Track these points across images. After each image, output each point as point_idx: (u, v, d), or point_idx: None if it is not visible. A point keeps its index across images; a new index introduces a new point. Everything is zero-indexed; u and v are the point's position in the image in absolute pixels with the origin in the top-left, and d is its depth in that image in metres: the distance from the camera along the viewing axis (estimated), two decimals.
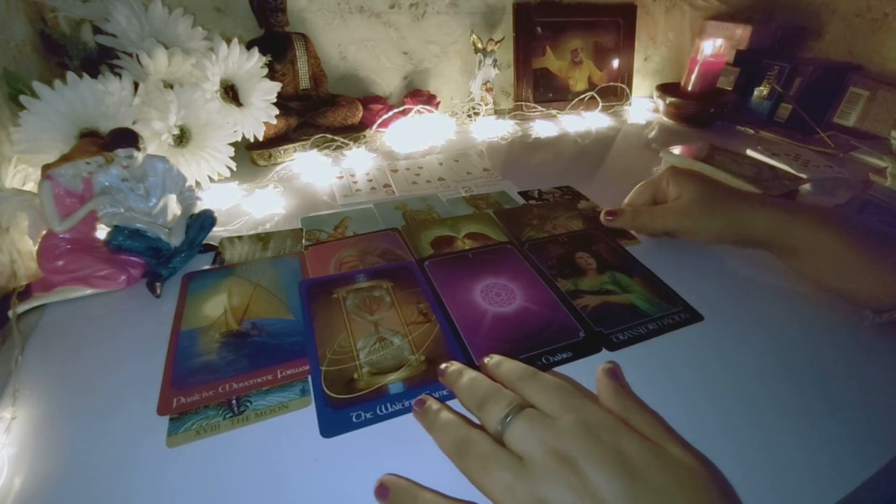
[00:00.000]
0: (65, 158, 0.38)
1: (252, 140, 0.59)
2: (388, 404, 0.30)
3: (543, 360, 0.33)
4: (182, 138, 0.51)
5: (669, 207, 0.42)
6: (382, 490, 0.24)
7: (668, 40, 0.98)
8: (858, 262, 0.35)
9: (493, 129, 0.78)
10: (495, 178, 0.62)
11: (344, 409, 0.29)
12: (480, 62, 0.78)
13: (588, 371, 0.33)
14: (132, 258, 0.40)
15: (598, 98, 0.86)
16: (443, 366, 0.30)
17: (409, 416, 0.29)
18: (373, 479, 0.26)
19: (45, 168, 0.37)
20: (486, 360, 0.29)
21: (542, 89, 0.85)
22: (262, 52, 0.56)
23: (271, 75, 0.60)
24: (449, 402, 0.28)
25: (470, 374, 0.27)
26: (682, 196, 0.42)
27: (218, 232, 0.47)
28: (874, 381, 0.33)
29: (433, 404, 0.27)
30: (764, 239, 0.39)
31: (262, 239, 0.47)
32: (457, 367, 0.29)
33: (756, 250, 0.40)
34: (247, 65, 0.55)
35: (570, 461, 0.20)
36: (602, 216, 0.46)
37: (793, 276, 0.42)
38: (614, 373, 0.27)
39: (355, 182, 0.60)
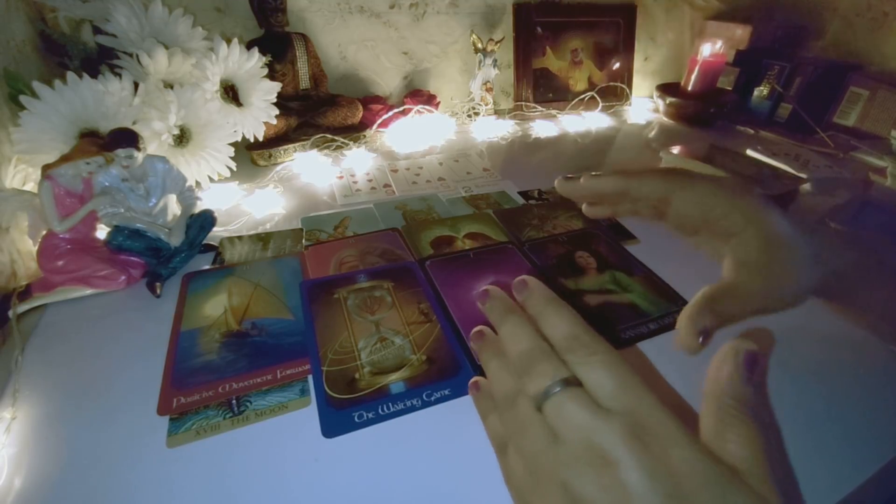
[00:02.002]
0: (65, 158, 0.37)
1: (252, 140, 0.59)
2: (390, 404, 0.30)
3: None
4: (182, 138, 0.51)
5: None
6: (475, 386, 0.25)
7: (668, 40, 0.98)
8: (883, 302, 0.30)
9: (493, 129, 0.78)
10: (495, 178, 0.62)
11: (346, 409, 0.29)
12: (480, 62, 0.78)
13: None
14: (132, 258, 0.40)
15: (598, 98, 0.86)
16: (489, 289, 0.24)
17: (411, 416, 0.29)
18: (374, 479, 0.26)
19: (45, 168, 0.37)
20: (520, 295, 0.24)
21: (542, 89, 0.85)
22: (262, 52, 0.56)
23: (271, 75, 0.60)
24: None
25: (516, 321, 0.23)
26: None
27: (218, 232, 0.47)
28: (874, 381, 0.33)
29: (494, 343, 0.24)
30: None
31: (262, 239, 0.47)
32: (502, 303, 0.24)
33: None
34: (247, 65, 0.55)
35: (606, 458, 0.18)
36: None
37: None
38: (752, 362, 0.20)
39: (355, 182, 0.60)
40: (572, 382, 0.20)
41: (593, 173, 0.31)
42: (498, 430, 0.23)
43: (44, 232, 0.38)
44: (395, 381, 0.31)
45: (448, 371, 0.32)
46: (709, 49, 0.79)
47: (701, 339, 0.27)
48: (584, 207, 0.33)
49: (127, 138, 0.38)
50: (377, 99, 0.77)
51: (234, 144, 0.55)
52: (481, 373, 0.32)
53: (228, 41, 0.53)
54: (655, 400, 0.19)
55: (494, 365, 0.23)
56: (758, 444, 0.18)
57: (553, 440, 0.19)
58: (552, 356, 0.21)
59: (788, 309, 0.29)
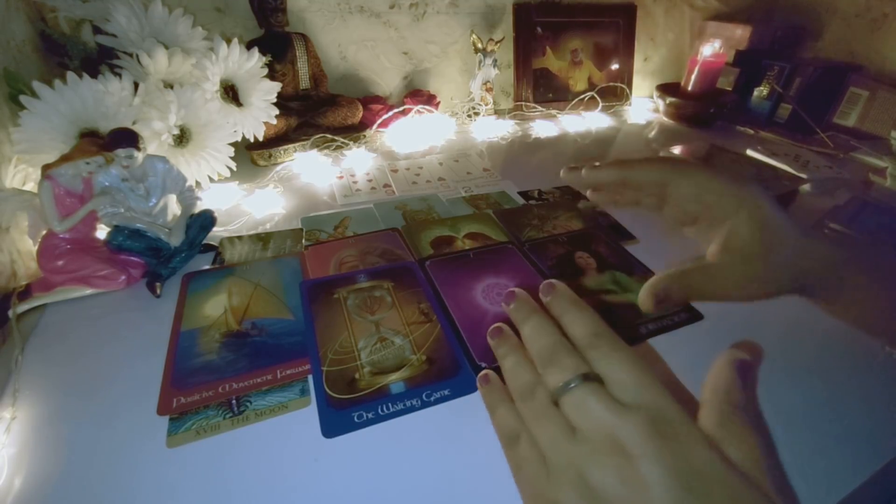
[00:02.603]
0: (65, 158, 0.37)
1: (252, 140, 0.59)
2: (390, 404, 0.30)
3: None
4: (182, 138, 0.51)
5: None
6: (485, 378, 0.25)
7: (667, 40, 0.98)
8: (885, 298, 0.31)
9: (493, 129, 0.78)
10: (495, 178, 0.62)
11: (346, 409, 0.29)
12: (480, 62, 0.78)
13: None
14: (132, 258, 0.40)
15: (598, 98, 0.87)
16: (514, 291, 0.25)
17: (411, 416, 0.29)
18: (374, 479, 0.26)
19: (45, 168, 0.37)
20: (546, 297, 0.24)
21: (542, 89, 0.85)
22: (262, 52, 0.56)
23: (271, 75, 0.60)
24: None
25: (539, 320, 0.23)
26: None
27: (218, 232, 0.47)
28: (874, 382, 0.33)
29: (511, 338, 0.25)
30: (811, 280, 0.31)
31: (262, 239, 0.47)
32: (527, 303, 0.24)
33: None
34: (247, 65, 0.55)
35: (627, 452, 0.18)
36: None
37: None
38: (745, 370, 0.21)
39: (355, 182, 0.60)
40: (592, 378, 0.20)
41: (595, 163, 0.33)
42: (508, 423, 0.23)
43: (44, 232, 0.38)
44: (395, 381, 0.31)
45: (448, 371, 0.32)
46: (709, 49, 0.79)
47: (656, 301, 0.29)
48: (588, 193, 0.35)
49: (127, 138, 0.38)
50: (377, 99, 0.77)
51: (234, 144, 0.55)
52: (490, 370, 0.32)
53: (228, 41, 0.53)
54: (673, 399, 0.20)
55: (512, 360, 0.24)
56: (756, 449, 0.19)
57: (571, 433, 0.20)
58: (573, 352, 0.22)
59: (765, 299, 0.30)
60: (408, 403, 0.30)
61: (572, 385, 0.20)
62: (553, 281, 0.24)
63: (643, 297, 0.30)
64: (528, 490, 0.21)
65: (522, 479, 0.22)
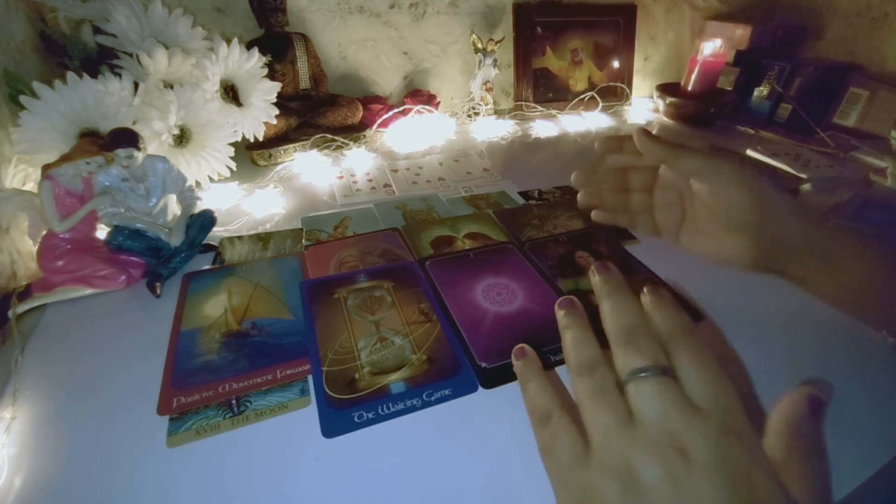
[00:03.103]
0: (65, 158, 0.37)
1: (252, 140, 0.59)
2: (390, 404, 0.30)
3: (546, 360, 0.33)
4: (182, 138, 0.51)
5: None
6: (521, 352, 0.25)
7: (668, 40, 0.98)
8: (885, 283, 0.31)
9: (493, 129, 0.78)
10: (495, 178, 0.62)
11: (346, 409, 0.29)
12: (480, 62, 0.78)
13: None
14: (132, 258, 0.40)
15: (598, 98, 0.86)
16: (608, 264, 0.24)
17: (412, 416, 0.29)
18: (374, 479, 0.26)
19: (45, 168, 0.37)
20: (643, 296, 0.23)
21: (542, 89, 0.85)
22: (262, 52, 0.56)
23: (271, 75, 0.60)
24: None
25: (627, 297, 0.23)
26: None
27: (218, 232, 0.47)
28: (875, 381, 0.33)
29: (582, 315, 0.23)
30: (797, 253, 0.32)
31: (262, 239, 0.47)
32: (618, 279, 0.23)
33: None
34: (247, 65, 0.55)
35: (685, 453, 0.18)
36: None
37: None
38: (817, 406, 0.21)
39: (355, 182, 0.60)
40: (669, 372, 0.20)
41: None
42: (542, 400, 0.22)
43: (44, 232, 0.38)
44: (395, 381, 0.31)
45: (448, 371, 0.32)
46: (709, 49, 0.79)
47: (644, 133, 0.32)
48: (579, 197, 0.37)
49: (127, 138, 0.38)
50: (377, 99, 0.77)
51: (234, 144, 0.55)
52: (482, 374, 0.32)
53: (228, 41, 0.53)
54: (746, 414, 0.19)
55: (577, 332, 0.23)
56: (815, 488, 0.19)
57: (628, 419, 0.19)
58: (655, 340, 0.21)
59: (743, 265, 0.33)
60: (408, 403, 0.30)
61: (646, 373, 0.19)
62: (657, 285, 0.24)
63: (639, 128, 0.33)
64: (558, 471, 0.20)
65: (553, 459, 0.21)
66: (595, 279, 0.24)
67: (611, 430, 0.19)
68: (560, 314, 0.24)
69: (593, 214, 0.38)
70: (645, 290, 0.23)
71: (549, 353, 0.34)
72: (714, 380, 0.19)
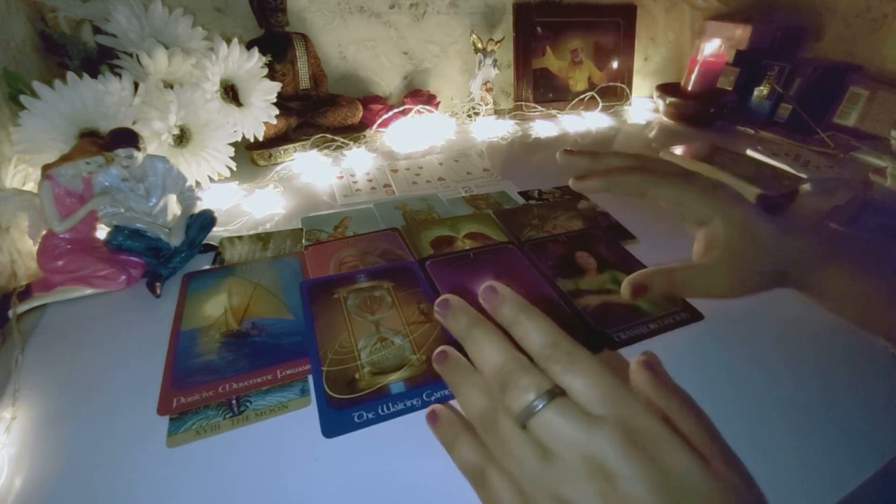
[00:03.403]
0: (65, 158, 0.37)
1: (252, 140, 0.59)
2: (390, 404, 0.30)
3: None
4: (182, 138, 0.51)
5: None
6: (433, 416, 0.23)
7: (668, 40, 0.98)
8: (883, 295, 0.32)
9: (493, 129, 0.78)
10: (495, 178, 0.62)
11: (346, 410, 0.29)
12: (480, 62, 0.78)
13: None
14: (132, 258, 0.40)
15: (598, 98, 0.86)
16: (448, 299, 0.23)
17: (412, 416, 0.29)
18: (374, 479, 0.26)
19: (45, 168, 0.37)
20: (489, 304, 0.22)
21: (542, 89, 0.85)
22: (262, 52, 0.56)
23: (271, 75, 0.60)
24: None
25: (485, 332, 0.21)
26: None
27: (218, 232, 0.47)
28: (875, 380, 0.33)
29: (459, 362, 0.22)
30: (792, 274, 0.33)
31: (262, 239, 0.47)
32: (466, 314, 0.22)
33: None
34: (247, 65, 0.55)
35: (605, 471, 0.17)
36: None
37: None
38: (651, 364, 0.24)
39: (355, 182, 0.60)
40: (557, 393, 0.19)
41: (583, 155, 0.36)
42: (471, 459, 0.21)
43: (44, 232, 0.38)
44: (395, 381, 0.31)
45: None
46: (709, 49, 0.79)
47: (632, 291, 0.32)
48: (571, 182, 0.35)
49: (127, 138, 0.38)
50: (377, 99, 0.77)
51: (234, 144, 0.55)
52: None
53: (228, 41, 0.53)
54: (642, 404, 0.19)
55: (465, 385, 0.21)
56: (700, 423, 0.22)
57: (544, 458, 0.19)
58: (531, 367, 0.20)
59: (749, 293, 0.33)
60: (408, 403, 0.30)
61: (538, 406, 0.19)
62: (494, 284, 0.22)
63: (623, 285, 0.32)
64: None
65: None
66: (443, 320, 0.22)
67: (531, 475, 0.19)
68: (440, 371, 0.23)
69: (580, 183, 0.35)
70: (482, 296, 0.22)
71: None
72: (598, 383, 0.19)
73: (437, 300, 0.23)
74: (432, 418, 0.24)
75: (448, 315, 0.22)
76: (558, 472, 0.18)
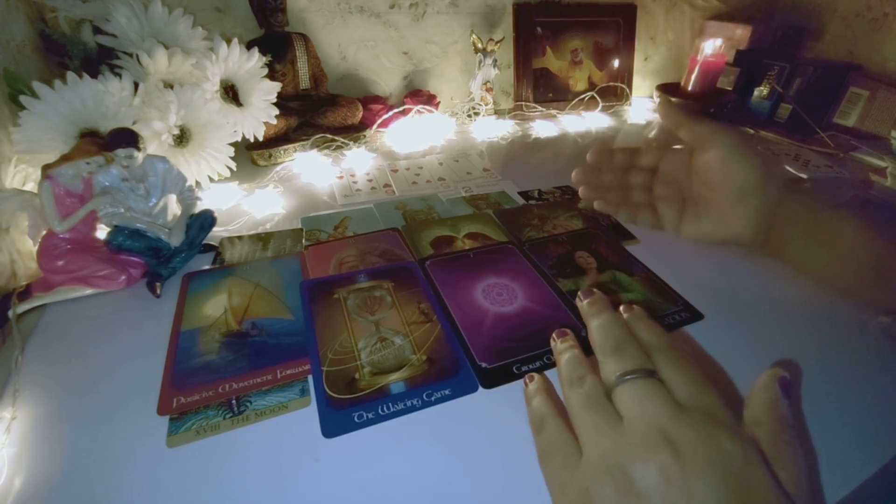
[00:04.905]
0: (65, 158, 0.37)
1: (252, 140, 0.59)
2: (390, 404, 0.30)
3: (545, 360, 0.33)
4: (182, 138, 0.51)
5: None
6: (588, 292, 0.26)
7: (668, 40, 0.98)
8: (881, 258, 0.32)
9: (493, 129, 0.78)
10: (495, 178, 0.62)
11: (346, 410, 0.29)
12: (480, 62, 0.78)
13: None
14: (132, 258, 0.40)
15: (598, 98, 0.86)
16: (589, 291, 0.26)
17: (412, 416, 0.29)
18: (374, 480, 0.26)
19: (45, 168, 0.37)
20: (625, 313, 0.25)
21: (542, 89, 0.85)
22: (262, 52, 0.56)
23: (271, 75, 0.60)
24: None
25: (612, 316, 0.24)
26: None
27: (218, 232, 0.47)
28: (875, 380, 0.33)
29: (570, 341, 0.25)
30: (790, 228, 0.34)
31: (262, 239, 0.47)
32: (604, 301, 0.25)
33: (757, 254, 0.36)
34: (247, 65, 0.55)
35: (675, 448, 0.18)
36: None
37: (793, 275, 0.42)
38: (787, 387, 0.21)
39: (355, 182, 0.60)
40: (654, 375, 0.20)
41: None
42: (541, 408, 0.23)
43: (44, 232, 0.38)
44: (395, 381, 0.31)
45: (448, 371, 0.32)
46: (709, 49, 0.79)
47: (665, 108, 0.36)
48: (581, 191, 0.39)
49: (127, 138, 0.38)
50: (377, 99, 0.77)
51: (234, 144, 0.55)
52: (482, 374, 0.32)
53: (228, 41, 0.53)
54: (730, 409, 0.19)
55: (569, 354, 0.24)
56: (803, 472, 0.19)
57: (615, 422, 0.20)
58: (640, 349, 0.22)
59: (737, 238, 0.34)
60: (408, 403, 0.30)
61: (632, 376, 0.20)
62: (632, 306, 0.25)
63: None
64: (553, 476, 0.21)
65: (548, 464, 0.21)
66: (582, 304, 0.26)
67: (600, 432, 0.20)
68: (555, 344, 0.26)
69: (595, 204, 0.39)
70: (622, 308, 0.25)
71: (548, 353, 0.34)
72: (697, 381, 0.20)
73: (582, 290, 0.26)
74: (529, 378, 0.26)
75: (588, 299, 0.25)
76: (626, 437, 0.19)
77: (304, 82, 0.67)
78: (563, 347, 0.25)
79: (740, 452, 0.18)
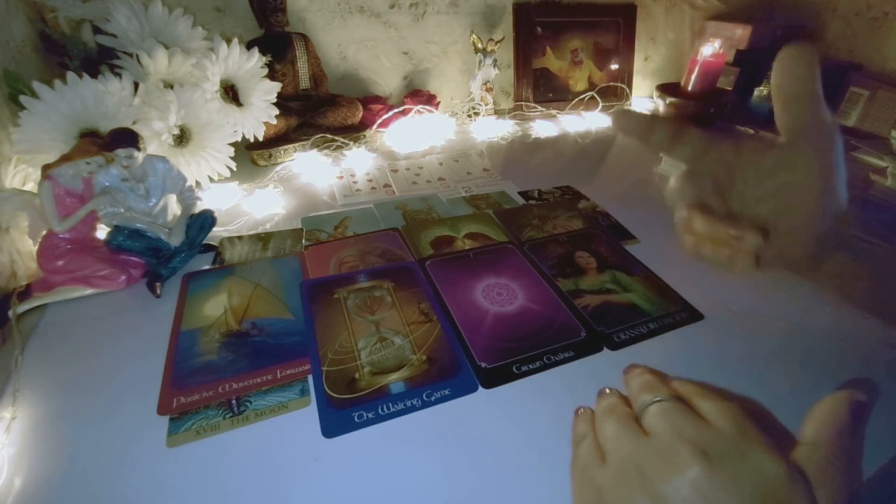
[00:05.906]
0: (65, 158, 0.37)
1: (252, 140, 0.59)
2: (390, 404, 0.30)
3: (545, 360, 0.33)
4: (182, 138, 0.51)
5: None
6: (630, 368, 0.25)
7: (668, 40, 0.98)
8: None
9: (493, 129, 0.78)
10: (495, 178, 0.62)
11: (346, 409, 0.29)
12: (480, 62, 0.78)
13: (588, 370, 0.33)
14: (132, 258, 0.40)
15: (598, 98, 0.86)
16: (636, 364, 0.26)
17: (411, 416, 0.29)
18: (374, 479, 0.26)
19: (45, 168, 0.37)
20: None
21: (542, 89, 0.85)
22: (262, 52, 0.56)
23: (271, 75, 0.60)
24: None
25: (652, 377, 0.24)
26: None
27: (218, 232, 0.47)
28: (876, 379, 0.33)
29: (615, 397, 0.24)
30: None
31: (262, 239, 0.47)
32: (646, 375, 0.24)
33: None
34: (247, 65, 0.55)
35: (706, 457, 0.17)
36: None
37: (792, 274, 0.42)
38: (860, 413, 0.20)
39: (355, 182, 0.60)
40: (680, 399, 0.21)
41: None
42: (581, 427, 0.24)
43: (44, 232, 0.38)
44: (395, 381, 0.31)
45: (448, 371, 0.32)
46: (709, 49, 0.79)
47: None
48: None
49: (127, 138, 0.38)
50: (377, 99, 0.77)
51: (234, 144, 0.55)
52: (482, 374, 0.32)
53: (228, 41, 0.53)
54: (762, 439, 0.19)
55: (607, 402, 0.24)
56: (846, 498, 0.18)
57: (641, 434, 0.20)
58: (669, 387, 0.22)
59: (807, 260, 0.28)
60: (408, 403, 0.30)
61: (660, 399, 0.21)
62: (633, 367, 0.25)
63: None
64: (577, 480, 0.22)
65: (575, 468, 0.22)
66: (625, 375, 0.25)
67: (621, 439, 0.20)
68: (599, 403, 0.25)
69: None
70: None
71: (549, 353, 0.34)
72: (726, 409, 0.20)
73: (628, 366, 0.25)
74: (577, 411, 0.26)
75: (630, 372, 0.25)
76: (644, 444, 0.19)
77: (304, 82, 0.67)
78: (604, 399, 0.24)
79: (781, 473, 0.17)
